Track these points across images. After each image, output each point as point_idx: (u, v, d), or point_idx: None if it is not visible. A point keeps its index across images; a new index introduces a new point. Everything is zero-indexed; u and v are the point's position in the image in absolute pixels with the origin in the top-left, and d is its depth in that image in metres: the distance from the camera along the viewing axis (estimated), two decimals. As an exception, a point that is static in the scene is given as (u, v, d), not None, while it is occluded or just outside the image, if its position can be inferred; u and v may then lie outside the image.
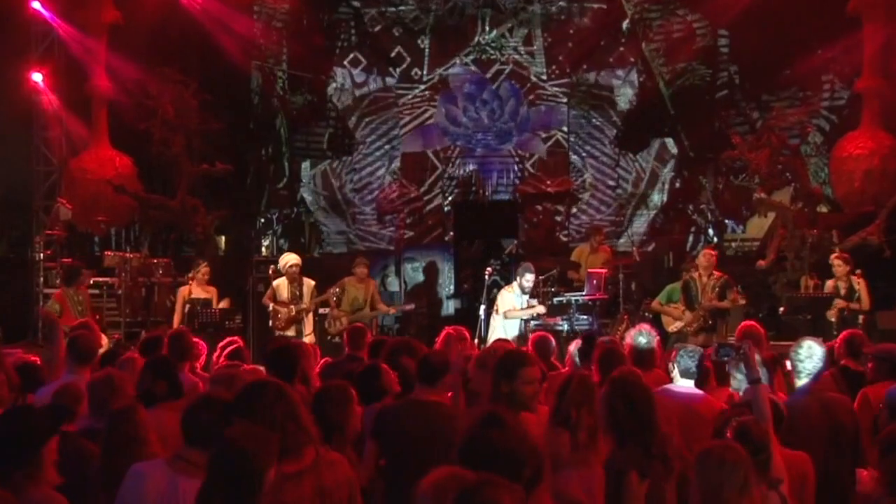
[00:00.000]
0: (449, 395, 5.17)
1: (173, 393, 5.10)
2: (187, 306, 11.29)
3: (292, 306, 10.99)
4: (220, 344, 7.09)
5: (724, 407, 4.85)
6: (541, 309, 10.70)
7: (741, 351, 4.57)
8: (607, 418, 4.13)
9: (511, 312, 10.58)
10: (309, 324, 11.12)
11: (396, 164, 16.63)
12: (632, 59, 16.32)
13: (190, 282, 11.54)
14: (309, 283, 11.24)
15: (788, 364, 5.26)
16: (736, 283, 10.87)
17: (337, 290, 11.38)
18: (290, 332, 10.81)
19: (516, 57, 16.54)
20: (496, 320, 10.69)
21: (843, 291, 10.93)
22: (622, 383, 4.22)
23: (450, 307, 15.91)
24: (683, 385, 5.41)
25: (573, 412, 4.35)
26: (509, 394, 4.35)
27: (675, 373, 5.46)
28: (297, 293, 11.07)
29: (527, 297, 10.73)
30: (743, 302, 10.92)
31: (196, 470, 3.61)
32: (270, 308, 11.14)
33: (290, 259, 11.24)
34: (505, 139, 16.48)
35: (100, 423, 4.53)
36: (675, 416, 4.97)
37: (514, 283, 10.82)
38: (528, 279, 10.62)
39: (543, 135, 16.45)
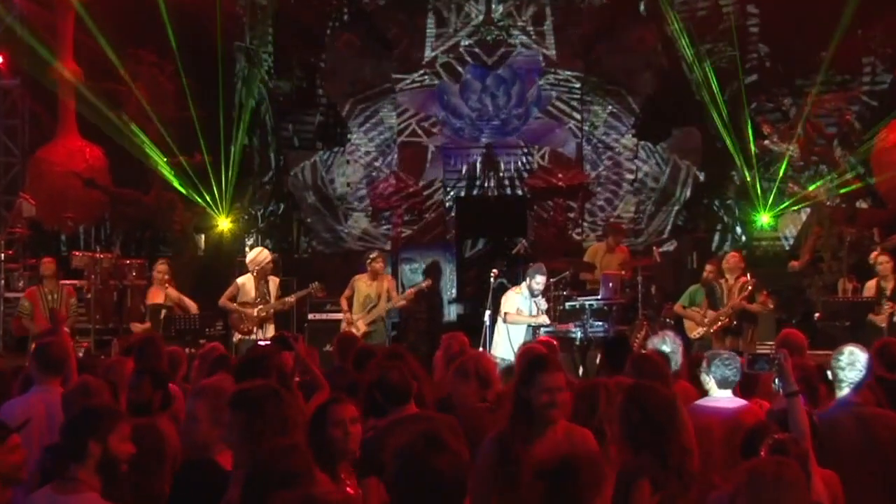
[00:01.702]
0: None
1: (166, 403, 5.32)
2: (163, 311, 11.27)
3: (261, 307, 10.89)
4: (200, 352, 7.04)
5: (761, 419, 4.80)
6: (543, 319, 10.63)
7: (776, 361, 4.52)
8: (623, 426, 4.11)
9: (512, 316, 10.48)
10: (270, 327, 10.92)
11: (394, 155, 16.60)
12: (652, 41, 16.27)
13: (165, 284, 11.53)
14: (274, 280, 11.19)
15: (829, 374, 5.20)
16: (765, 287, 10.83)
17: (348, 292, 11.25)
18: (260, 336, 10.65)
19: (524, 38, 16.51)
20: (502, 324, 10.63)
21: (888, 292, 10.86)
22: (640, 390, 4.20)
23: (451, 312, 15.87)
24: (721, 396, 5.34)
25: (607, 428, 4.34)
26: (527, 401, 4.29)
27: (711, 384, 5.39)
28: (266, 292, 10.99)
29: (536, 300, 10.66)
30: (771, 306, 10.87)
31: (83, 487, 3.78)
32: (228, 308, 11.00)
33: (264, 256, 11.15)
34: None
35: None
36: (718, 432, 4.90)
37: (523, 284, 10.74)
38: (539, 281, 10.54)
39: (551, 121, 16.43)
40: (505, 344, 10.17)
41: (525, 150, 16.41)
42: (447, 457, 3.05)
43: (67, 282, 12.18)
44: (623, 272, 12.20)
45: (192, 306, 11.50)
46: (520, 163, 16.42)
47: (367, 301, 11.33)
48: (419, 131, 16.60)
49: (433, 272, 15.86)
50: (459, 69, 16.57)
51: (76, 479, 3.80)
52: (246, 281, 11.01)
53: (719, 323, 10.53)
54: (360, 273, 11.64)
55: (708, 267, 11.26)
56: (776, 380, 5.06)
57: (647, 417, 4.04)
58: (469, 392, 5.33)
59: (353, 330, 10.90)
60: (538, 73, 16.40)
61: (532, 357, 4.73)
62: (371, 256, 11.63)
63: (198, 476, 4.14)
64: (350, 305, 11.41)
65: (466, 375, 5.36)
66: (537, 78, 16.39)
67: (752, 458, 3.99)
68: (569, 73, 16.46)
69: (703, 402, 5.42)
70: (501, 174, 16.39)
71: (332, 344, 7.51)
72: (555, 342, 6.88)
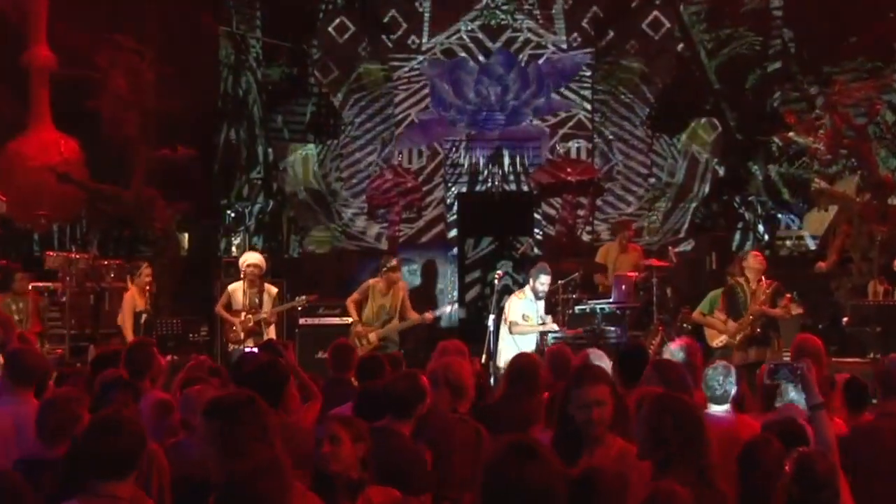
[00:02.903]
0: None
1: None
2: (143, 316, 11.27)
3: (249, 315, 10.88)
4: (189, 365, 7.02)
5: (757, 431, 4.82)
6: (553, 326, 10.62)
7: (798, 371, 4.53)
8: (650, 437, 4.07)
9: (518, 327, 10.46)
10: (271, 336, 10.84)
11: (391, 148, 16.60)
12: (668, 25, 16.28)
13: (132, 286, 11.51)
14: (271, 289, 11.13)
15: None
16: (788, 291, 10.69)
17: (357, 296, 11.07)
18: (248, 346, 10.56)
19: (531, 23, 16.51)
20: (507, 333, 10.61)
21: None
22: (669, 399, 4.19)
23: (453, 317, 15.86)
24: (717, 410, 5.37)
25: None
26: (570, 418, 4.31)
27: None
28: (257, 300, 10.95)
29: (541, 303, 10.64)
30: (800, 310, 10.73)
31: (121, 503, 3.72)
32: (223, 317, 11.04)
33: (248, 258, 11.13)
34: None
35: (50, 453, 4.64)
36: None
37: (527, 287, 10.71)
38: (543, 281, 10.51)
39: (564, 115, 16.40)
40: (511, 353, 10.16)
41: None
42: (540, 467, 3.03)
43: (39, 284, 12.17)
44: (637, 273, 12.19)
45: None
46: (526, 157, 16.43)
47: (382, 312, 10.98)
48: (418, 122, 16.61)
49: (433, 274, 15.87)
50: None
51: (116, 497, 3.72)
52: (237, 288, 11.01)
53: (742, 334, 10.28)
54: (373, 277, 11.24)
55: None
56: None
57: (680, 428, 4.02)
58: (440, 401, 5.35)
59: (364, 342, 10.84)
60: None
61: (574, 370, 4.74)
62: (390, 264, 11.05)
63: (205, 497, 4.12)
64: (359, 311, 11.00)
65: (436, 384, 5.38)
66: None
67: (752, 471, 4.01)
68: (579, 59, 16.45)
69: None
70: (506, 169, 16.39)
71: (327, 352, 7.46)
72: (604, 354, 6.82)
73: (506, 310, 10.68)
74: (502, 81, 16.41)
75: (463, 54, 16.59)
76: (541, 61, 16.42)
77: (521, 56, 16.51)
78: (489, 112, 16.45)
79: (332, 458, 4.15)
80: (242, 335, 10.84)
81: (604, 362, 6.37)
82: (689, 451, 3.99)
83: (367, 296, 11.06)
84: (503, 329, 10.63)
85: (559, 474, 3.09)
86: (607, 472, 3.46)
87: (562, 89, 16.42)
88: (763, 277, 10.37)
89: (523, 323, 10.47)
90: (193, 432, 4.87)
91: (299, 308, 11.38)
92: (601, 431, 4.28)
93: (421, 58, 16.59)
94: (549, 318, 10.72)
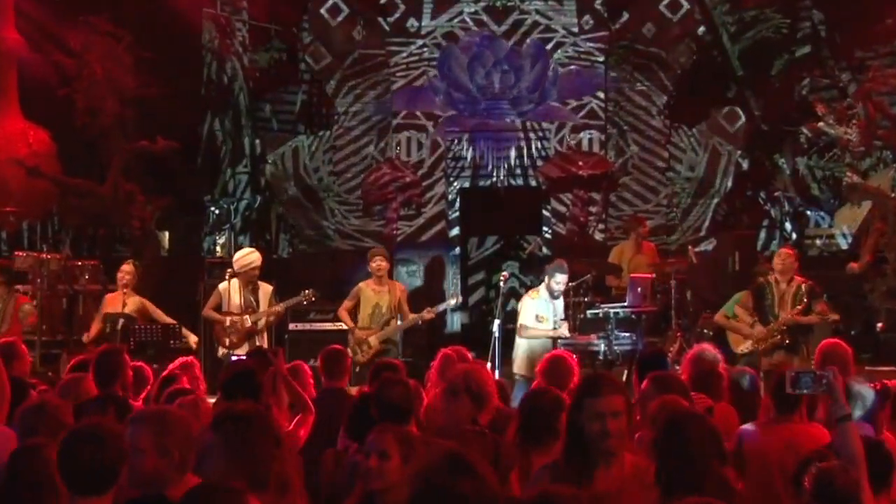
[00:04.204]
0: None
1: None
2: (121, 321, 11.31)
3: (246, 317, 10.90)
4: (171, 366, 7.08)
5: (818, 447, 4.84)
6: (564, 332, 10.63)
7: (823, 381, 4.55)
8: (653, 455, 4.12)
9: (528, 331, 10.45)
10: (264, 340, 10.91)
11: (388, 140, 16.62)
12: (687, 6, 16.31)
13: (124, 289, 11.52)
14: (266, 288, 11.14)
15: None
16: (823, 293, 10.68)
17: (349, 303, 11.12)
18: (241, 351, 10.61)
19: (539, 4, 16.54)
20: (519, 338, 10.64)
21: None
22: (671, 416, 4.21)
23: (455, 322, 15.88)
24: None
25: None
26: (580, 429, 4.29)
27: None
28: (253, 300, 10.98)
29: (559, 303, 10.68)
30: (836, 317, 10.68)
31: None
32: (213, 319, 11.04)
33: (252, 259, 11.12)
34: (523, 109, 16.47)
35: None
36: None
37: (541, 286, 10.73)
38: (559, 280, 10.50)
39: (575, 103, 16.42)
40: (524, 359, 10.19)
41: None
42: (473, 481, 3.07)
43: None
44: (653, 275, 12.22)
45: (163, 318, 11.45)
46: (534, 148, 16.45)
47: (377, 312, 11.08)
48: (419, 114, 16.60)
49: (435, 276, 15.88)
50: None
51: None
52: (229, 287, 10.98)
53: (769, 342, 10.23)
54: (363, 279, 11.35)
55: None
56: None
57: (682, 449, 4.04)
58: (459, 411, 5.33)
59: (365, 347, 10.87)
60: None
61: (585, 378, 4.71)
62: (370, 255, 11.37)
63: None
64: (353, 319, 11.13)
65: (455, 392, 5.36)
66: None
67: (801, 488, 4.03)
68: (591, 44, 16.47)
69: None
70: (513, 162, 16.41)
71: (318, 359, 7.47)
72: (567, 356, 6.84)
73: (518, 310, 10.71)
74: (519, 73, 16.39)
75: (462, 45, 16.60)
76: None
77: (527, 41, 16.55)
78: (478, 98, 16.44)
79: (377, 474, 4.11)
80: (237, 339, 10.81)
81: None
82: (691, 476, 3.98)
83: (358, 299, 11.12)
84: (516, 335, 10.65)
85: (492, 490, 3.14)
86: (564, 495, 3.44)
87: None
88: (795, 276, 10.31)
89: (535, 326, 10.44)
90: None
91: (305, 303, 11.38)
92: (616, 445, 4.23)
93: (420, 42, 16.60)
94: (564, 324, 10.73)
